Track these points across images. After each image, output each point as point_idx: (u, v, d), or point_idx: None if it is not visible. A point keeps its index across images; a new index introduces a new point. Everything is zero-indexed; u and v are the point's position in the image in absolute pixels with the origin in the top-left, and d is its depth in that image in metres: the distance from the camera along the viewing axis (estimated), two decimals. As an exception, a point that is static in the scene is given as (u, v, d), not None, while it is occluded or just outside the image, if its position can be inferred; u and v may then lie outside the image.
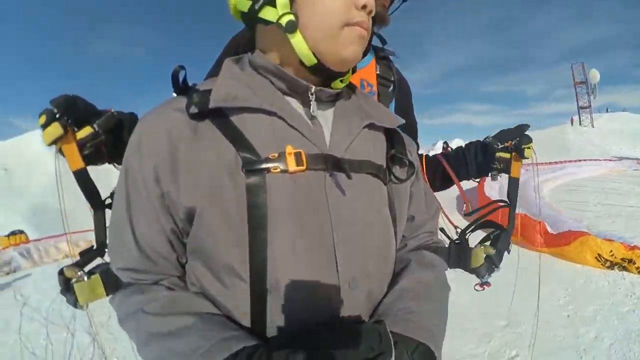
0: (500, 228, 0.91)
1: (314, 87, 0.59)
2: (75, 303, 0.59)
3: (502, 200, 1.00)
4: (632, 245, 3.84)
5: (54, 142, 0.60)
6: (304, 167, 0.54)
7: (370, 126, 0.64)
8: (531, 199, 6.60)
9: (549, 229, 4.56)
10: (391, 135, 0.69)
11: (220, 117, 0.55)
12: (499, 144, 1.00)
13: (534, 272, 3.85)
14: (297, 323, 0.53)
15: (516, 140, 0.96)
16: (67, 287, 0.60)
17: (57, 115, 0.60)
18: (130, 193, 0.56)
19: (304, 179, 0.54)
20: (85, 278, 0.59)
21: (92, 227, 0.64)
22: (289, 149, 0.53)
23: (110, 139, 0.66)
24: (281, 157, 0.53)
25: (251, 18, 0.58)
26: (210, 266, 0.55)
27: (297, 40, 0.54)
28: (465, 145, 1.16)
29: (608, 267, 3.81)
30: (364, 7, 0.55)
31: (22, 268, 7.07)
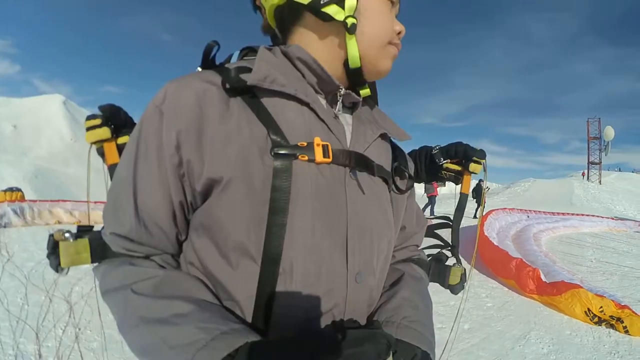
0: (447, 244, 0.97)
1: (343, 89, 0.61)
2: (57, 266, 0.57)
3: (445, 218, 1.08)
4: (623, 304, 3.76)
5: (97, 142, 0.75)
6: (329, 160, 0.55)
7: (381, 137, 0.68)
8: (529, 247, 6.56)
9: (542, 277, 4.50)
10: (395, 149, 0.73)
11: (253, 97, 0.55)
12: (441, 158, 1.09)
13: (525, 320, 3.82)
14: (303, 310, 0.53)
15: (466, 158, 1.05)
16: (54, 250, 0.58)
17: (105, 121, 0.74)
18: (141, 154, 0.53)
19: (327, 171, 0.56)
20: (72, 240, 0.58)
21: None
22: (317, 140, 0.55)
23: None
24: (309, 146, 0.54)
25: (314, 10, 0.57)
26: (219, 244, 0.53)
27: (352, 42, 0.59)
28: (418, 150, 1.24)
29: (595, 323, 3.72)
30: (399, 33, 0.63)
31: (12, 225, 7.05)
